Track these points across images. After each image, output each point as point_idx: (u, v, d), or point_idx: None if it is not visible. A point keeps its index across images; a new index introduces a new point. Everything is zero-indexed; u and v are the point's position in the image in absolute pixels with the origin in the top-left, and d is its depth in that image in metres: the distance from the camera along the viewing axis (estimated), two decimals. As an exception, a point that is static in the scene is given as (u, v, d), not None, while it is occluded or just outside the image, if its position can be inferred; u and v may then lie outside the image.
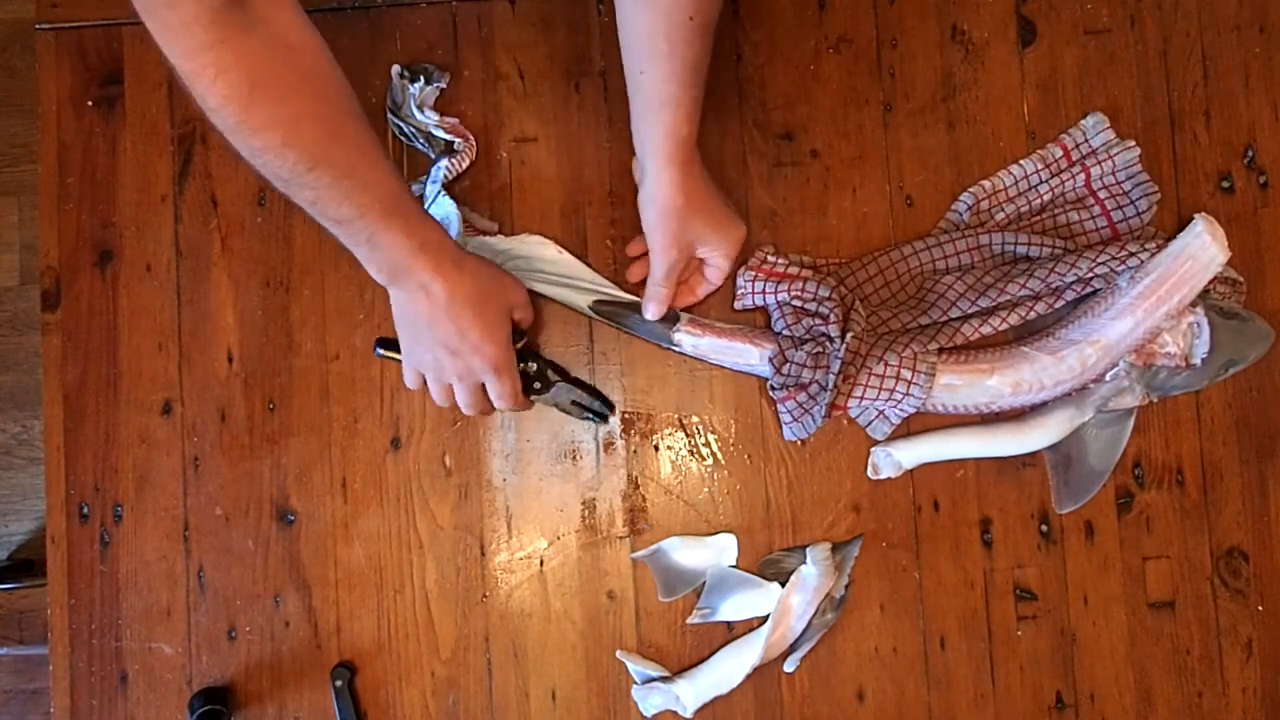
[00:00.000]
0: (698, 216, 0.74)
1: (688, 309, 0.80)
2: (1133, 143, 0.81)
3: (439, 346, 0.72)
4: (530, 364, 0.79)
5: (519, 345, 0.77)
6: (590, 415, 0.80)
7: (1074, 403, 0.78)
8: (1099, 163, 0.81)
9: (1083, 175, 0.81)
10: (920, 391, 0.76)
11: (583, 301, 0.79)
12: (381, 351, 0.80)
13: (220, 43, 0.57)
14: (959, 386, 0.77)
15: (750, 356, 0.78)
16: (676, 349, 0.80)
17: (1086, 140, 0.82)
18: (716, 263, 0.78)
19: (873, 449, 0.80)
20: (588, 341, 0.82)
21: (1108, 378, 0.78)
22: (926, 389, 0.76)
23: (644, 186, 0.73)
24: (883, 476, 0.80)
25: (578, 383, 0.80)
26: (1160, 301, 0.75)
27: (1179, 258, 0.76)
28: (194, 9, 0.55)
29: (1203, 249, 0.75)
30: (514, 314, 0.75)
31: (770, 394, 0.79)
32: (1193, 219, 0.76)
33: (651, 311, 0.78)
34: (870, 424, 0.79)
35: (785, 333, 0.78)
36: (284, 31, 0.60)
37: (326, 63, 0.63)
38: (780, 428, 0.80)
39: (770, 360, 0.78)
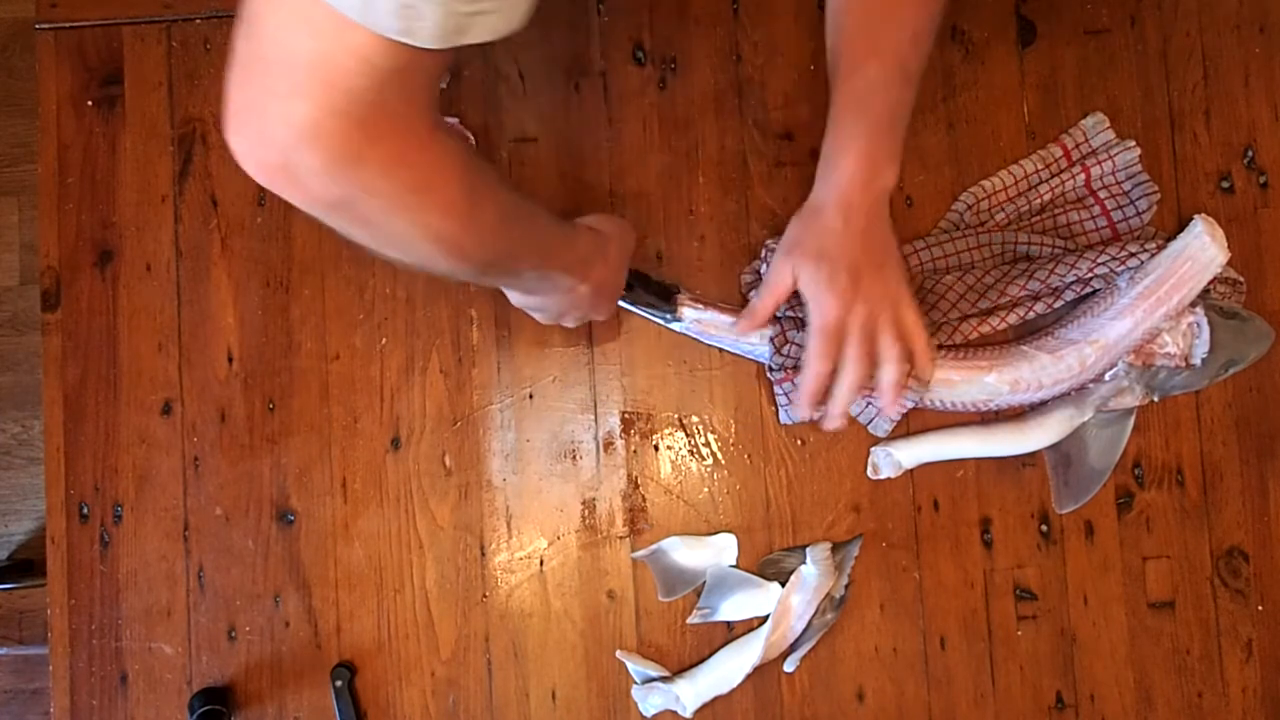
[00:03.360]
0: (809, 250, 0.71)
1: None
2: (1133, 143, 0.81)
3: (564, 316, 0.75)
4: None
5: None
6: (661, 311, 0.80)
7: (1074, 403, 0.78)
8: (1099, 163, 0.81)
9: (1083, 175, 0.81)
10: (917, 386, 0.76)
11: None
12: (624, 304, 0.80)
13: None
14: (957, 383, 0.77)
15: (750, 335, 0.78)
16: (677, 323, 0.79)
17: (1087, 140, 0.82)
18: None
19: (873, 449, 0.80)
20: (587, 342, 0.82)
21: (1107, 378, 0.78)
22: (924, 384, 0.76)
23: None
24: (882, 476, 0.80)
25: (645, 282, 0.80)
26: (1160, 302, 0.75)
27: (1178, 258, 0.76)
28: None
29: (1202, 250, 0.75)
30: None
31: (769, 375, 0.79)
32: (1192, 220, 0.76)
33: (740, 326, 0.77)
34: (871, 421, 0.79)
35: (788, 314, 0.78)
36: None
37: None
38: (776, 411, 0.80)
39: (771, 340, 0.78)
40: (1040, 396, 0.77)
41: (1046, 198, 0.81)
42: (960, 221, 0.82)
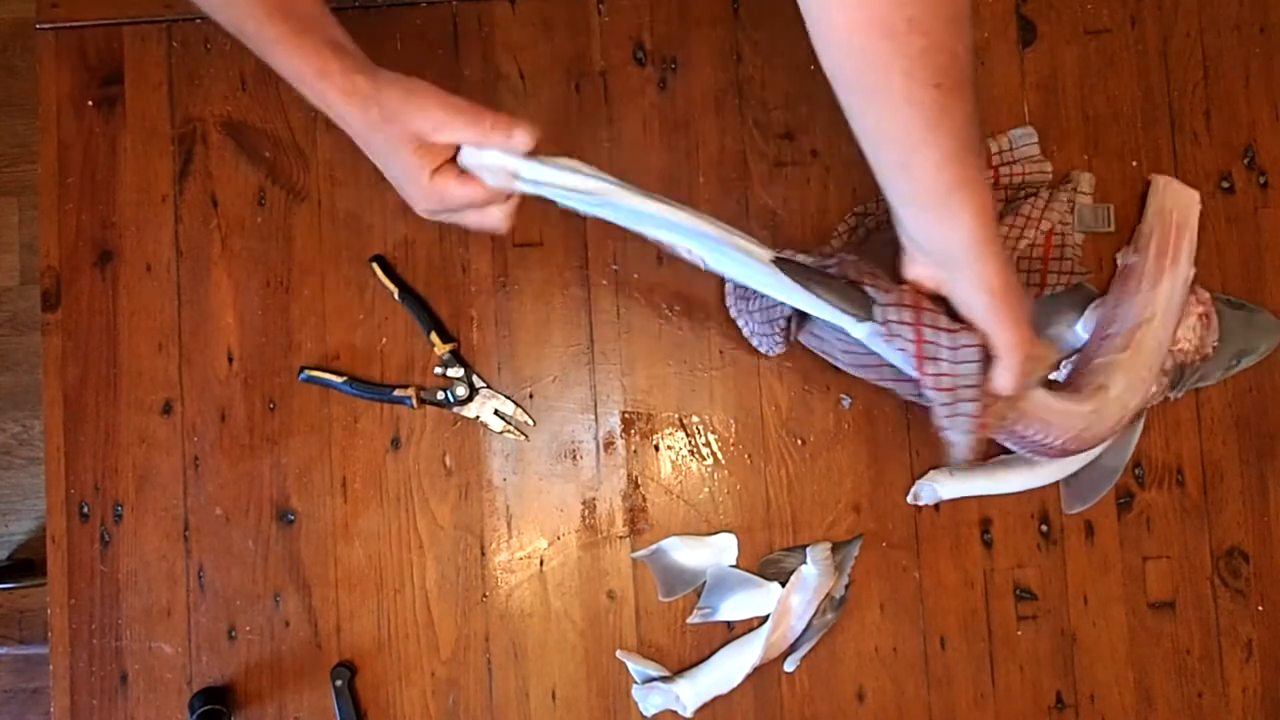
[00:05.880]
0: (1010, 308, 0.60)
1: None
2: (1049, 165, 0.81)
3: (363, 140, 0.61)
4: (457, 369, 0.80)
5: (447, 349, 0.79)
6: (512, 427, 0.80)
7: None
8: (1013, 174, 0.81)
9: (992, 176, 0.81)
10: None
11: (764, 255, 0.63)
12: (307, 375, 0.81)
13: None
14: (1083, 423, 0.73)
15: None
16: (861, 329, 0.65)
17: (1011, 149, 0.81)
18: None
19: (918, 481, 0.80)
20: (588, 341, 0.82)
21: None
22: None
23: (957, 275, 0.61)
24: (921, 504, 0.80)
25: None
26: (1177, 254, 0.78)
27: (1164, 212, 0.79)
28: None
29: (1177, 195, 0.80)
30: (429, 137, 0.58)
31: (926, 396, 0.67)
32: (1150, 182, 0.80)
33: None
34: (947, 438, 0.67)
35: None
36: None
37: None
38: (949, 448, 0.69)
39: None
40: (1150, 392, 0.76)
41: None
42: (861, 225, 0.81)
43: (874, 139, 0.58)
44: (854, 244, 0.79)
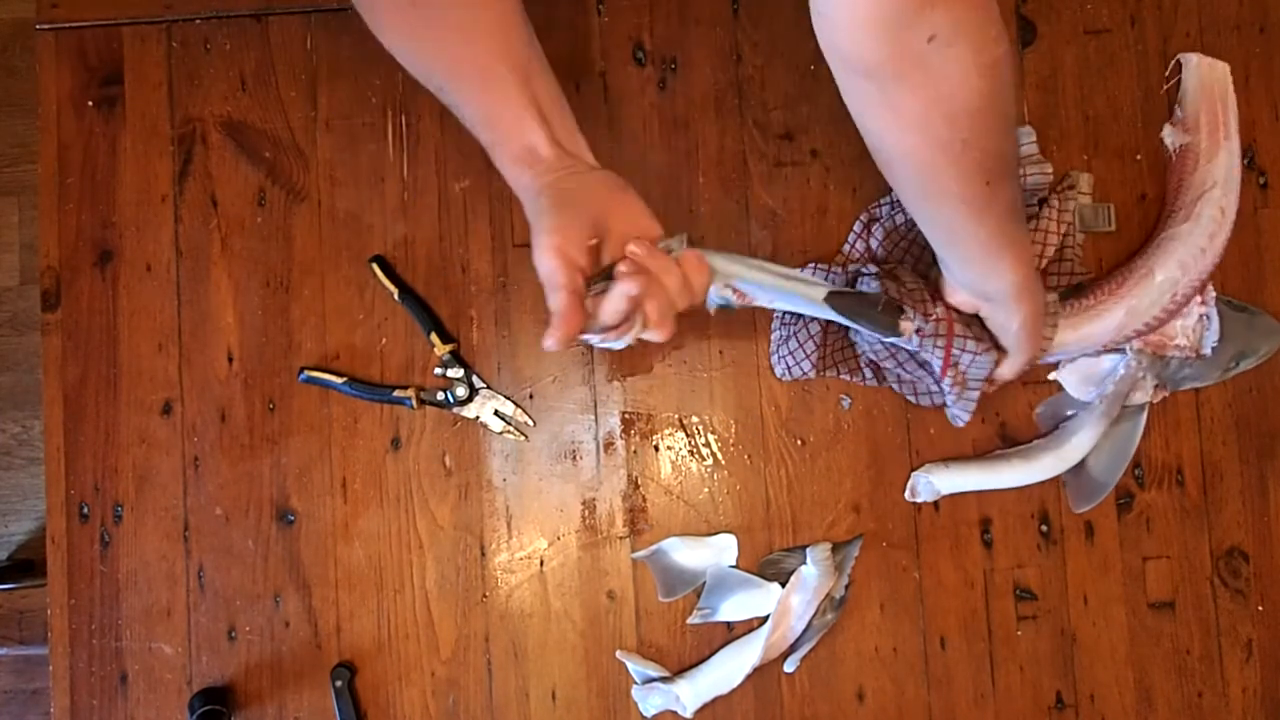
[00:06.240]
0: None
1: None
2: (1049, 165, 0.80)
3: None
4: (457, 369, 0.80)
5: (447, 349, 0.79)
6: (512, 428, 0.81)
7: (1101, 409, 0.78)
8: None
9: None
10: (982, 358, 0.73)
11: (818, 295, 0.71)
12: (307, 376, 0.81)
13: None
14: (1098, 327, 0.77)
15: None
16: (897, 337, 0.73)
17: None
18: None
19: (914, 473, 0.80)
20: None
21: (1120, 369, 0.78)
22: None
23: (995, 307, 0.70)
24: (919, 500, 0.80)
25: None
26: (1228, 127, 0.80)
27: (1202, 89, 0.81)
28: None
29: (1209, 69, 0.81)
30: (598, 236, 0.62)
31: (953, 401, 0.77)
32: (1178, 61, 0.82)
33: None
34: (952, 413, 0.77)
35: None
36: None
37: None
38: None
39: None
40: (1208, 262, 0.78)
41: None
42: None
43: (924, 221, 0.67)
44: (870, 256, 0.80)
